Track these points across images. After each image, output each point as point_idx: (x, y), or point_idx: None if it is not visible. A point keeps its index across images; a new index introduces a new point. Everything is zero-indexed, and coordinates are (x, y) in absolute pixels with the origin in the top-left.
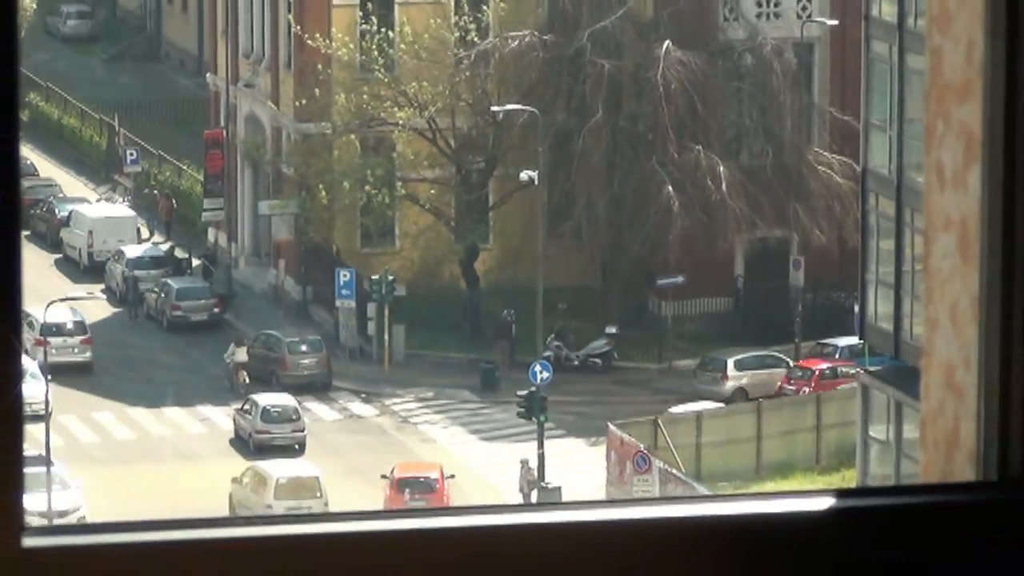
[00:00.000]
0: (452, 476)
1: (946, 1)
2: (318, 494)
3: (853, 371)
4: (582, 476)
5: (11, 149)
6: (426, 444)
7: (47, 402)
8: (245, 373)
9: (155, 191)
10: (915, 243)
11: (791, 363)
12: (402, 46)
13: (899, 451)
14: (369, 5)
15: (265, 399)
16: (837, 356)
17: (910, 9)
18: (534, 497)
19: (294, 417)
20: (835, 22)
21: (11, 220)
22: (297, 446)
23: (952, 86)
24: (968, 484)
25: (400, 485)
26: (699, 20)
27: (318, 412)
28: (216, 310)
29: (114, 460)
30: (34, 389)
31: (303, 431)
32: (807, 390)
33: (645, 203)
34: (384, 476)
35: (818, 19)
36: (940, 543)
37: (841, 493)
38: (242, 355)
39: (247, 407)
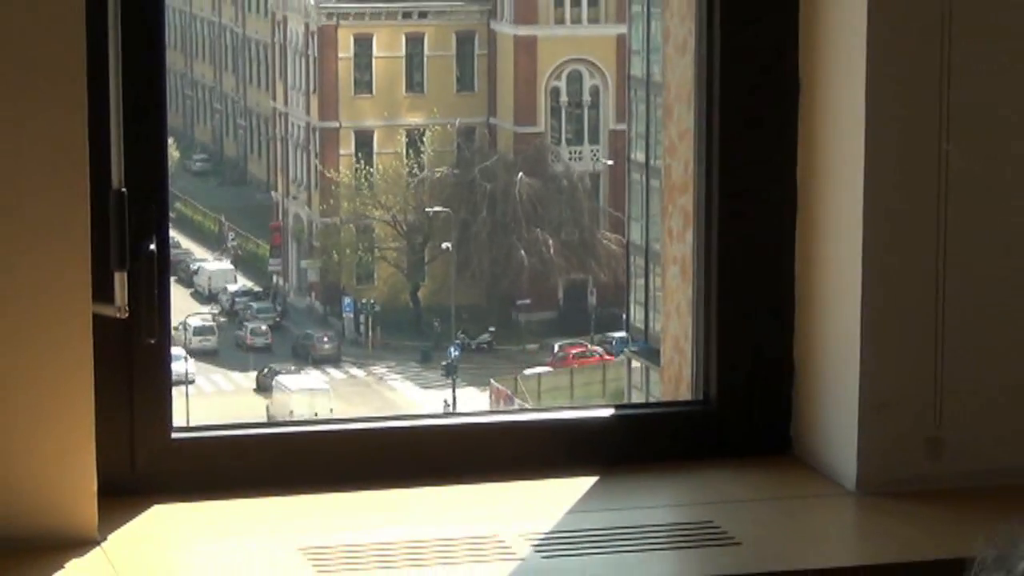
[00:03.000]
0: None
1: (674, 139)
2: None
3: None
4: (477, 408)
5: (164, 234)
6: (391, 392)
7: (187, 373)
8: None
9: (230, 247)
10: (654, 281)
11: (588, 345)
12: (377, 176)
13: (647, 392)
14: (359, 154)
15: (252, 323)
16: (613, 344)
17: (652, 155)
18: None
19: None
20: (611, 162)
21: (165, 270)
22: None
23: (677, 186)
24: (687, 401)
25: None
26: (537, 161)
27: (333, 374)
28: (278, 319)
29: (221, 395)
30: (180, 366)
31: (270, 338)
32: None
33: (509, 260)
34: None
35: (603, 160)
36: (671, 435)
37: (616, 407)
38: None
39: (240, 328)
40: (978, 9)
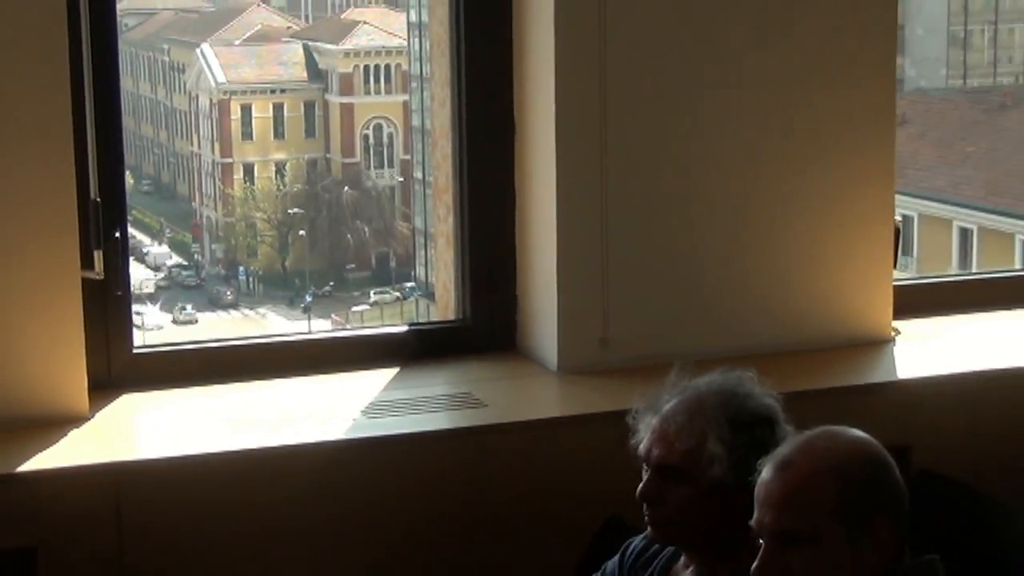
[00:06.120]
0: None
1: (440, 161)
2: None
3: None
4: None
5: (124, 227)
6: (270, 324)
7: (143, 321)
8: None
9: (167, 237)
10: (430, 251)
11: (391, 293)
12: (258, 191)
13: (428, 317)
14: (246, 179)
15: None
16: (407, 290)
17: (426, 173)
18: None
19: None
20: (401, 179)
21: (126, 249)
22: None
23: (442, 189)
24: (452, 320)
25: None
26: (357, 179)
27: (233, 314)
28: (200, 281)
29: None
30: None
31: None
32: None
33: (340, 241)
34: None
35: (396, 178)
36: (443, 341)
37: (410, 325)
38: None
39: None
40: (628, 65)
